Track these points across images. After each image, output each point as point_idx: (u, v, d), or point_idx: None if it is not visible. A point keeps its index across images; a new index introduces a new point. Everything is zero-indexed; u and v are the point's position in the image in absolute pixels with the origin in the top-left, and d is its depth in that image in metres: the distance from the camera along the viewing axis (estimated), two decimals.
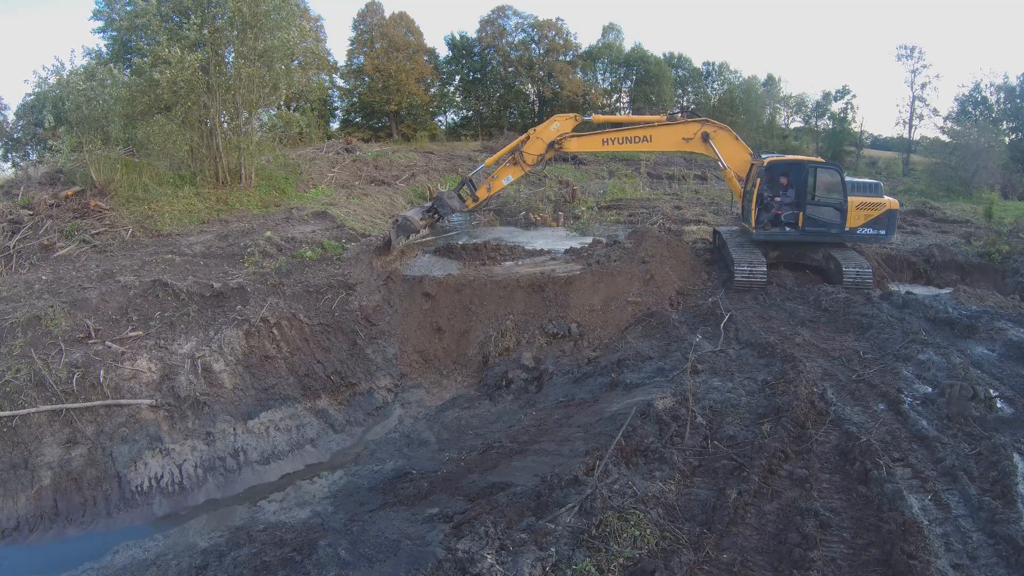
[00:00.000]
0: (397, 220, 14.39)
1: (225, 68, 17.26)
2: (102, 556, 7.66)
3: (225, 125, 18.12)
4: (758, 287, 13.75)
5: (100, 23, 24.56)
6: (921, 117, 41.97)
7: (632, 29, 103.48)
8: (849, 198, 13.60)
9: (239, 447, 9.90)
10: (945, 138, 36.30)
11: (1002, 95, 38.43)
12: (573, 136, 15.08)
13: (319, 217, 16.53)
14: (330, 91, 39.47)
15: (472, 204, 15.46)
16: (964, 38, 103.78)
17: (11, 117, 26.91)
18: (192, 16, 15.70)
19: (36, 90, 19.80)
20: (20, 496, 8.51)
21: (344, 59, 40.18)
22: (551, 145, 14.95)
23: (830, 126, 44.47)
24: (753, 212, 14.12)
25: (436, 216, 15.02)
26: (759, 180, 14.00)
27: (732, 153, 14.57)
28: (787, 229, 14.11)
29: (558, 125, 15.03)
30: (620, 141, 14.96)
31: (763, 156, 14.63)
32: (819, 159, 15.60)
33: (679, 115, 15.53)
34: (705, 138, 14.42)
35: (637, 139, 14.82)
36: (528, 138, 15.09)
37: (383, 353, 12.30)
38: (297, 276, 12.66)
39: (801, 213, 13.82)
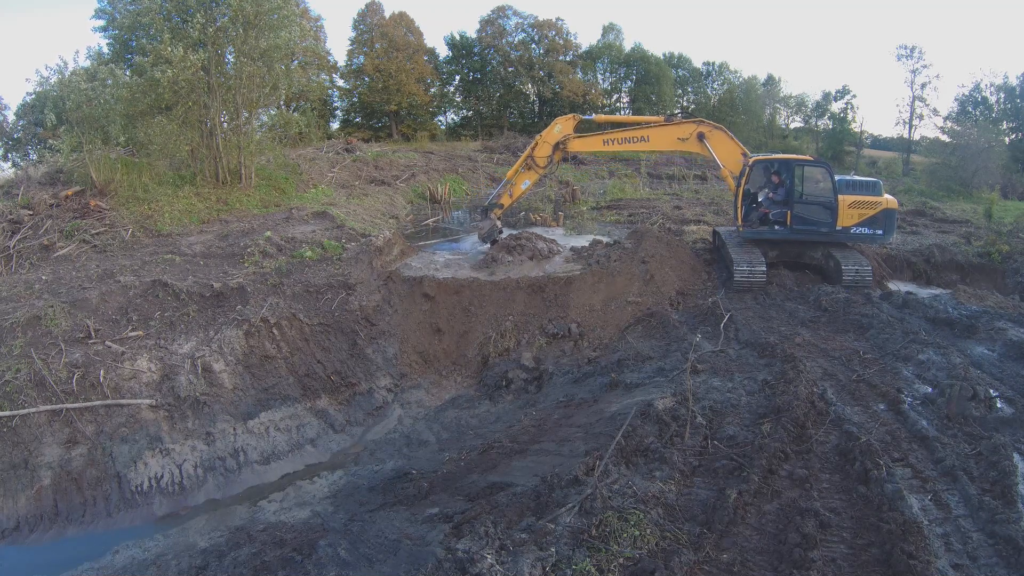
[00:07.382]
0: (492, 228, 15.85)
1: (226, 67, 17.27)
2: (102, 556, 7.65)
3: (225, 125, 18.13)
4: (758, 287, 13.73)
5: (102, 22, 24.60)
6: (921, 117, 42.02)
7: (632, 29, 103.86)
8: (841, 196, 13.51)
9: (239, 447, 9.90)
10: (945, 138, 36.35)
11: (1002, 95, 38.43)
12: (576, 137, 15.65)
13: (319, 217, 16.54)
14: (330, 91, 39.50)
15: (499, 212, 16.45)
16: (964, 38, 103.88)
17: (11, 117, 26.91)
18: (196, 15, 15.71)
19: (37, 89, 19.82)
20: (20, 496, 8.51)
21: (344, 59, 40.31)
22: (556, 146, 15.55)
23: (830, 126, 44.53)
24: (739, 210, 14.18)
25: (495, 241, 15.75)
26: (744, 178, 14.05)
27: (727, 152, 14.68)
28: (776, 227, 14.11)
29: (560, 127, 15.61)
30: (620, 141, 15.41)
31: (751, 155, 14.64)
32: (808, 157, 15.60)
33: (677, 115, 15.79)
34: (700, 138, 14.59)
35: (635, 139, 15.21)
36: (537, 144, 15.74)
37: (383, 353, 12.29)
38: (297, 276, 12.66)
39: (789, 211, 13.82)
